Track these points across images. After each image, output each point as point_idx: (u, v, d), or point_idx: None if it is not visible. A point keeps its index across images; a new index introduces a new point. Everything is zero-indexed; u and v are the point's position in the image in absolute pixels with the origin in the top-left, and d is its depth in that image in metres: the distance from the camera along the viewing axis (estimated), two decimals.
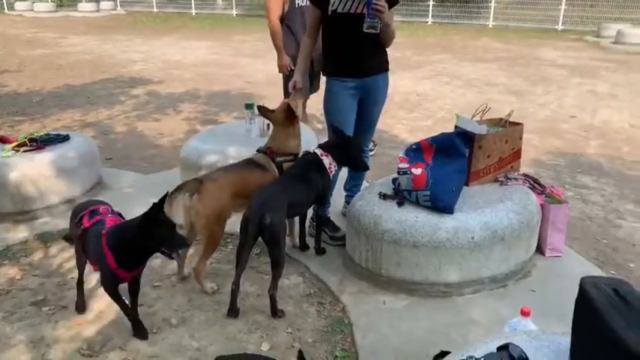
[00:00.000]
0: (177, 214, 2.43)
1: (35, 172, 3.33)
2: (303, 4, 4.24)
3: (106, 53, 11.01)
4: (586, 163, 4.52)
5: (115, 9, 21.13)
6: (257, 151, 2.86)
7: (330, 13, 2.72)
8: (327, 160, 2.73)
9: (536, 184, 2.90)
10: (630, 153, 4.79)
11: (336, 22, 2.74)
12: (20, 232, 3.22)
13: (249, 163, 2.76)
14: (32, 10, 20.16)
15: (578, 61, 9.47)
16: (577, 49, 11.15)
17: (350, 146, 2.79)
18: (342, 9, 2.68)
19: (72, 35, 14.02)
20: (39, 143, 3.54)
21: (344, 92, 2.86)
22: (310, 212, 2.97)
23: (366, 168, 2.98)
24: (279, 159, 2.77)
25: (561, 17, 14.70)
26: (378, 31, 2.62)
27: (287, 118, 2.81)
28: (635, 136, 5.26)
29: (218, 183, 2.53)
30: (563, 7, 14.58)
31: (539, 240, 2.79)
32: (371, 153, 4.21)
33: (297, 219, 2.93)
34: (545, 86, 7.45)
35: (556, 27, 14.76)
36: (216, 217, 2.50)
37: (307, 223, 2.99)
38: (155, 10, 20.64)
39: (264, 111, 2.92)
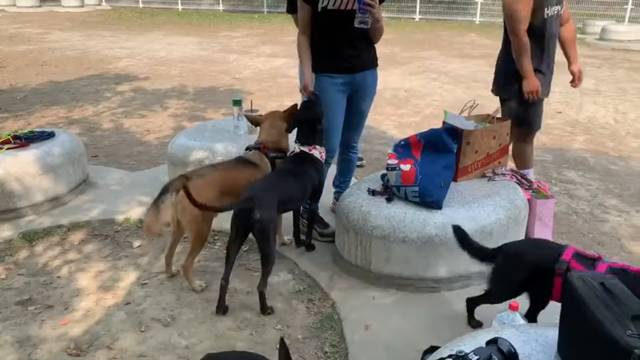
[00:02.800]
0: (166, 215, 2.42)
1: (19, 169, 3.28)
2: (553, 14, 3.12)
3: (91, 49, 10.87)
4: (572, 159, 4.57)
5: (99, 4, 20.84)
6: (246, 148, 2.85)
7: (319, 9, 2.70)
8: (317, 152, 2.72)
9: (523, 180, 2.92)
10: (615, 148, 4.85)
11: (325, 19, 2.72)
12: (5, 231, 3.17)
13: (239, 162, 2.75)
14: (15, 5, 19.80)
15: (563, 58, 9.52)
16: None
17: (313, 109, 2.74)
18: (333, 5, 2.67)
19: (56, 31, 13.82)
20: (23, 140, 3.49)
21: (333, 88, 2.85)
22: (300, 208, 2.95)
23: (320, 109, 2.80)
24: (272, 154, 2.76)
25: None
26: (369, 27, 2.62)
27: (290, 115, 2.82)
28: (620, 132, 5.32)
29: (205, 179, 2.52)
30: None
31: (526, 235, 2.82)
32: (359, 162, 4.22)
33: (285, 216, 2.92)
34: None
35: None
36: (202, 214, 2.48)
37: None
38: (141, 5, 20.40)
39: (255, 119, 2.97)
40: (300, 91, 2.85)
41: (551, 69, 3.26)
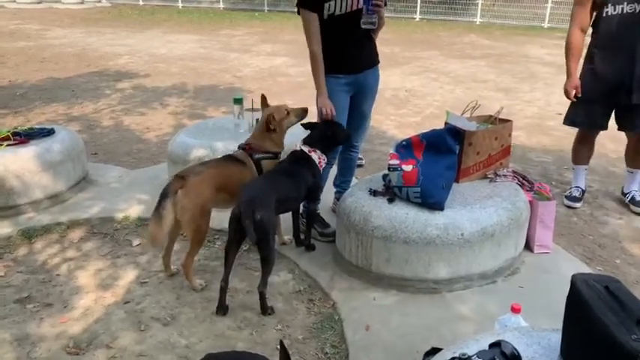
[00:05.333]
0: (169, 220, 2.41)
1: (19, 166, 3.27)
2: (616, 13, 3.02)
3: (91, 46, 10.84)
4: None
5: (99, 1, 20.79)
6: (238, 147, 2.84)
7: (326, 17, 2.69)
8: (316, 156, 2.71)
9: (524, 181, 2.92)
10: (615, 150, 4.83)
11: (334, 25, 2.71)
12: (4, 228, 3.16)
13: (228, 159, 2.75)
14: (14, 1, 19.74)
15: (564, 59, 9.51)
16: (563, 47, 11.22)
17: (335, 131, 2.79)
18: (340, 10, 2.66)
19: (56, 27, 13.78)
20: (23, 137, 3.48)
21: (337, 89, 2.84)
22: (300, 208, 2.95)
23: (349, 135, 2.92)
24: (257, 156, 2.75)
25: (547, 15, 14.82)
26: (376, 27, 2.61)
27: (266, 126, 2.80)
28: (620, 134, 5.28)
29: (201, 176, 2.52)
30: (549, 5, 14.71)
31: (527, 236, 2.81)
32: (358, 162, 4.20)
33: (284, 216, 2.91)
34: (532, 83, 7.51)
35: (542, 25, 14.88)
36: (201, 211, 2.48)
37: None
38: (141, 2, 20.35)
39: (263, 101, 2.92)
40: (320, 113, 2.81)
41: (618, 72, 3.17)
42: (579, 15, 3.15)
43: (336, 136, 2.81)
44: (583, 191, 3.69)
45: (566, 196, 3.67)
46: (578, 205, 3.60)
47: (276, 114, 2.79)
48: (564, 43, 3.37)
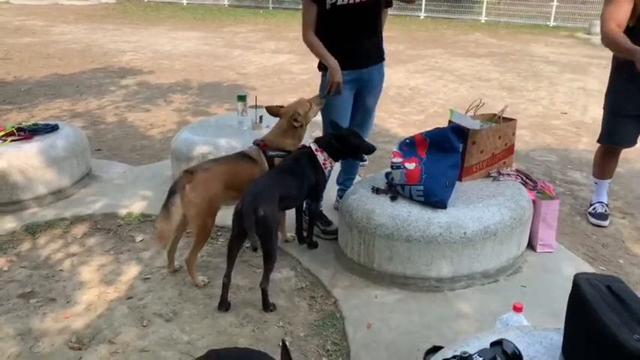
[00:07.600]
0: (178, 216, 2.42)
1: (23, 161, 3.28)
2: None
3: (96, 43, 10.86)
4: (576, 160, 4.55)
5: None
6: (253, 143, 2.85)
7: (329, 6, 2.67)
8: (322, 156, 2.70)
9: (528, 180, 2.91)
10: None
11: (335, 16, 2.69)
12: (8, 223, 3.17)
13: (239, 156, 2.75)
14: None
15: (569, 58, 9.51)
16: (568, 46, 11.20)
17: (350, 139, 2.72)
18: (343, 1, 2.64)
19: (61, 24, 13.82)
20: (27, 133, 3.49)
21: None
22: (303, 205, 2.95)
23: (373, 148, 2.80)
24: (270, 153, 2.76)
25: (553, 14, 14.76)
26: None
27: (290, 123, 2.79)
28: None
29: (210, 173, 2.53)
30: (555, 3, 14.64)
31: (530, 235, 2.81)
32: (364, 163, 4.21)
33: (287, 213, 2.91)
34: (536, 82, 7.48)
35: (547, 23, 14.82)
36: (208, 207, 2.49)
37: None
38: None
39: (273, 110, 2.89)
40: (328, 93, 2.78)
41: None
42: (613, 11, 2.79)
43: (347, 145, 2.71)
44: (607, 205, 3.44)
45: (590, 214, 3.40)
46: (606, 223, 3.32)
47: (301, 109, 2.79)
48: (606, 43, 2.88)
